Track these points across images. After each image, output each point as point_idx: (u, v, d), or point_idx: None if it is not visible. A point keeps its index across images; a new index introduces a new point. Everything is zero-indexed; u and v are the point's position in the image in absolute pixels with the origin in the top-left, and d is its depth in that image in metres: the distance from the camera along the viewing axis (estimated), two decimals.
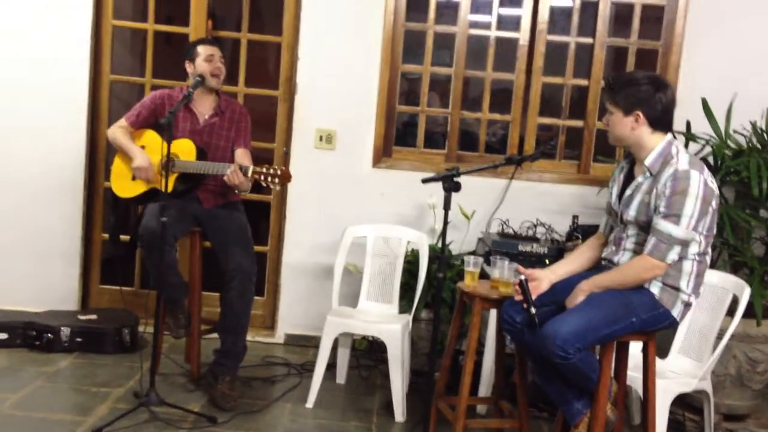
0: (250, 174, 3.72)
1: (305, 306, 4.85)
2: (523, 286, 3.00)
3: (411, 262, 4.34)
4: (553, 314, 2.96)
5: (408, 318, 4.09)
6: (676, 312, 2.98)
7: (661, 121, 2.99)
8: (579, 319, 2.89)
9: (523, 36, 4.77)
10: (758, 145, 4.20)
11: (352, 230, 4.33)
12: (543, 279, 3.11)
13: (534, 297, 2.99)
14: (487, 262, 3.95)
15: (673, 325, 3.04)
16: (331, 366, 4.20)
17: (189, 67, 4.03)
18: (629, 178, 3.12)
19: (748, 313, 3.76)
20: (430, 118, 5.12)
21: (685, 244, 2.89)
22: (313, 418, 3.85)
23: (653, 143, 2.99)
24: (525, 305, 2.98)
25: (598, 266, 3.20)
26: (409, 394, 4.04)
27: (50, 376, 4.07)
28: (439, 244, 3.25)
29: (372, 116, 4.79)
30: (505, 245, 4.15)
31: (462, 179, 3.20)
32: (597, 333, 2.90)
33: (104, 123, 4.85)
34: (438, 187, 3.21)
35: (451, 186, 3.17)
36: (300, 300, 4.87)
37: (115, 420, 3.48)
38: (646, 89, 2.96)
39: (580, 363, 2.88)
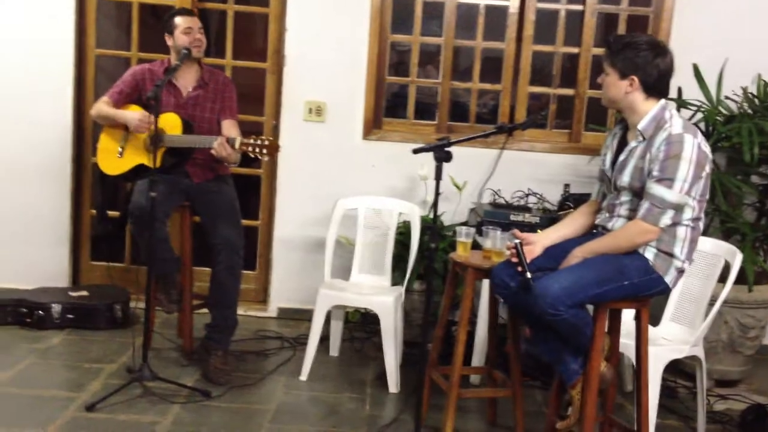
0: (237, 145, 3.68)
1: (297, 279, 4.84)
2: (518, 249, 2.98)
3: (403, 233, 4.33)
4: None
5: (400, 290, 4.09)
6: (669, 278, 2.97)
7: (656, 88, 2.96)
8: (570, 277, 2.88)
9: (512, 4, 4.72)
10: (749, 111, 4.19)
11: (344, 203, 4.31)
12: (537, 243, 3.11)
13: (528, 261, 2.98)
14: (479, 232, 3.94)
15: (666, 291, 3.04)
16: (325, 339, 4.20)
17: (169, 40, 3.97)
18: (622, 144, 3.09)
19: (740, 279, 3.77)
20: (421, 89, 5.08)
21: (678, 208, 2.88)
22: (308, 390, 3.86)
23: (646, 108, 2.97)
24: (519, 269, 2.96)
25: (591, 233, 3.19)
26: (402, 366, 4.05)
27: (42, 353, 4.05)
28: (431, 216, 3.22)
29: (362, 88, 4.75)
30: (497, 215, 4.14)
31: (453, 150, 3.16)
32: (587, 291, 2.88)
33: (90, 98, 4.79)
34: (429, 158, 3.18)
35: (442, 156, 3.13)
36: (292, 273, 4.86)
37: (109, 395, 3.48)
38: (645, 54, 2.93)
39: (573, 318, 2.87)
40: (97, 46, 4.85)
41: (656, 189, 2.86)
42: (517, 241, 3.02)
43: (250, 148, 3.66)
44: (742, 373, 4.22)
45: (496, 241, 3.39)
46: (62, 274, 4.87)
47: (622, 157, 3.04)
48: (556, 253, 3.06)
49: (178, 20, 3.96)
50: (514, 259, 3.00)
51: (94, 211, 4.88)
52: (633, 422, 3.18)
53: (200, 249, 4.12)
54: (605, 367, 3.04)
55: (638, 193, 2.96)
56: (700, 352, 3.53)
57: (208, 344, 3.93)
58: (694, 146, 2.85)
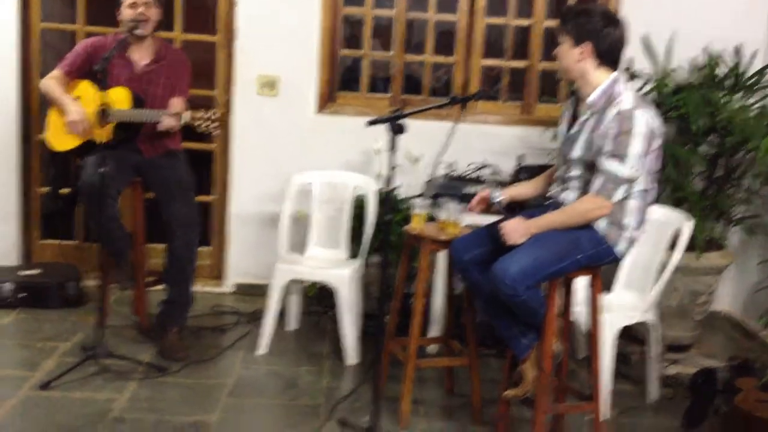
0: (187, 119, 3.63)
1: (254, 255, 4.81)
2: (500, 205, 3.22)
3: (359, 207, 4.32)
4: (492, 255, 2.99)
5: (357, 263, 4.09)
6: (620, 248, 3.02)
7: (608, 57, 2.99)
8: (527, 258, 2.91)
9: None
10: (698, 82, 4.26)
11: (298, 177, 4.29)
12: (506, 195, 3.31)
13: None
14: (435, 204, 3.96)
15: (617, 260, 3.09)
16: (282, 313, 4.19)
17: (119, 15, 3.90)
18: (575, 117, 3.13)
19: (689, 247, 3.86)
20: (374, 63, 5.06)
21: (630, 182, 2.93)
22: (265, 364, 3.86)
23: (598, 79, 2.99)
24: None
25: (543, 205, 3.22)
26: (362, 338, 4.07)
27: None
28: (386, 188, 3.22)
29: (315, 61, 4.72)
30: (452, 187, 4.16)
31: (408, 123, 3.17)
32: (545, 270, 2.93)
33: (36, 73, 4.69)
34: (383, 131, 3.18)
35: (395, 128, 3.14)
36: (248, 249, 4.83)
37: (64, 374, 3.45)
38: (597, 21, 2.97)
39: (529, 300, 2.92)
40: (42, 19, 4.72)
41: (609, 165, 2.89)
42: (500, 198, 3.21)
43: (198, 122, 3.62)
44: (692, 337, 4.33)
45: (450, 212, 3.41)
46: (12, 253, 4.77)
47: (573, 131, 3.07)
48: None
49: None
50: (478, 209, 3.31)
51: (44, 189, 4.79)
52: (586, 388, 3.25)
53: (153, 225, 4.07)
54: (556, 343, 3.09)
55: (589, 166, 2.99)
56: (651, 318, 3.61)
57: (164, 320, 3.90)
58: (645, 121, 2.88)
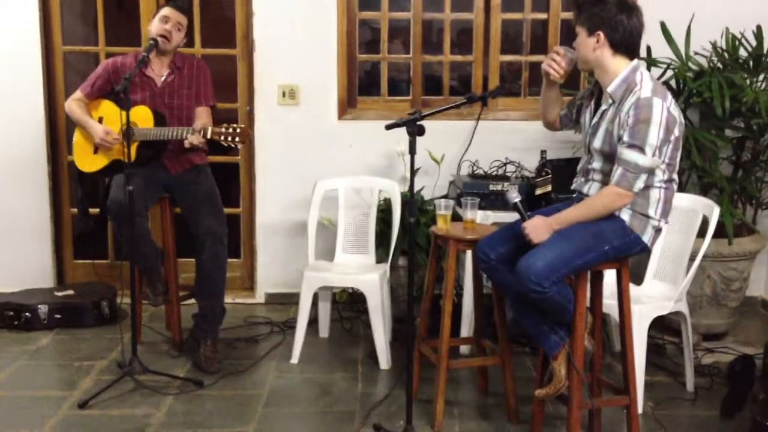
0: (209, 135, 3.68)
1: (283, 264, 4.84)
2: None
3: (384, 211, 4.33)
4: (518, 253, 2.98)
5: (385, 267, 4.10)
6: (647, 237, 2.99)
7: (623, 45, 2.96)
8: (551, 252, 2.89)
9: None
10: (719, 65, 4.20)
11: (323, 184, 4.31)
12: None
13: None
14: (459, 204, 3.96)
15: (645, 250, 3.06)
16: (314, 321, 4.22)
17: (149, 25, 3.96)
18: (597, 106, 3.11)
19: (720, 233, 3.81)
20: (393, 65, 5.07)
21: (651, 172, 2.90)
22: (300, 372, 3.88)
23: (616, 68, 2.97)
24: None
25: (568, 198, 3.20)
26: (393, 342, 4.09)
27: (32, 354, 4.05)
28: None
29: (333, 68, 4.73)
30: (476, 186, 4.14)
31: (429, 123, 3.16)
32: (571, 264, 2.91)
33: (61, 95, 4.76)
34: (405, 134, 3.17)
35: (415, 130, 3.13)
36: (277, 258, 4.87)
37: (101, 392, 3.49)
38: (610, 9, 2.95)
39: (556, 295, 2.90)
40: (64, 43, 4.80)
41: (628, 154, 2.87)
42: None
43: (222, 137, 3.65)
44: (727, 325, 4.27)
45: (475, 211, 3.40)
46: (46, 275, 4.86)
47: (594, 120, 3.05)
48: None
49: (163, 9, 3.94)
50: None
51: (74, 210, 4.86)
52: (622, 381, 3.22)
53: (184, 240, 4.11)
54: (587, 340, 3.07)
55: (609, 157, 2.97)
56: (684, 308, 3.57)
57: (197, 334, 3.94)
58: (663, 110, 2.85)
